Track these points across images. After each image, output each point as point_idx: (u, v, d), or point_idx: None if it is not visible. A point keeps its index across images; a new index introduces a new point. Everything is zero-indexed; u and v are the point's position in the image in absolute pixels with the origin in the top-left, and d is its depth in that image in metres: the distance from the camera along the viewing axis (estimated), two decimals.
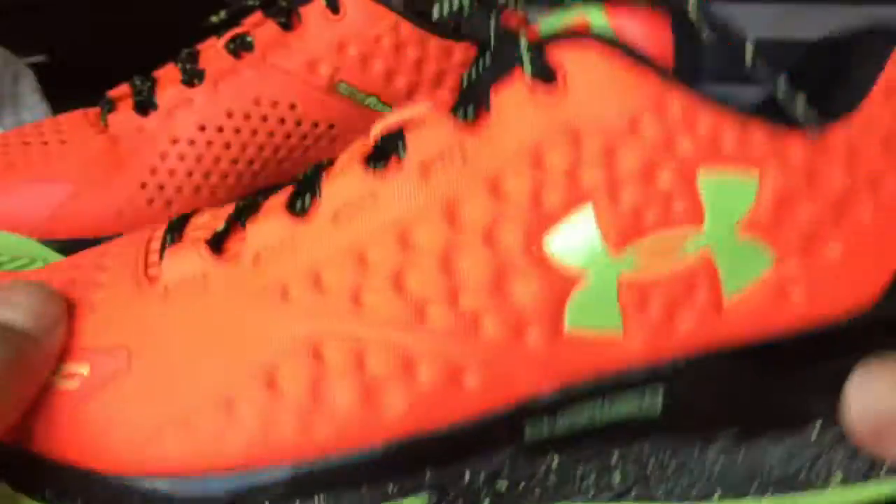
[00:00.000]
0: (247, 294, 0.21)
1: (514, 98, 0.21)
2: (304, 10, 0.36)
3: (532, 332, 0.20)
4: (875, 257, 0.21)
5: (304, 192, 0.23)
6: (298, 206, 0.22)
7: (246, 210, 0.24)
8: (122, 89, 0.38)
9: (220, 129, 0.36)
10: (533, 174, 0.20)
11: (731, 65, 0.20)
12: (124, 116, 0.36)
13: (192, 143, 0.36)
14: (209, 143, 0.36)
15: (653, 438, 0.22)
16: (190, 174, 0.36)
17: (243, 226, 0.23)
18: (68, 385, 0.21)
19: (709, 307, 0.20)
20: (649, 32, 0.20)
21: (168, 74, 0.38)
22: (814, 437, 0.22)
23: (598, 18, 0.21)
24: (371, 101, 0.37)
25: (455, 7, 0.22)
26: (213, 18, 0.38)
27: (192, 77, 0.36)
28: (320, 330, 0.21)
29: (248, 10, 0.38)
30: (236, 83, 0.36)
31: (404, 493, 0.21)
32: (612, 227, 0.20)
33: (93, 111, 0.38)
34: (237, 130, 0.36)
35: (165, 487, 0.21)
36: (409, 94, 0.37)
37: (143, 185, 0.35)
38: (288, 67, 0.36)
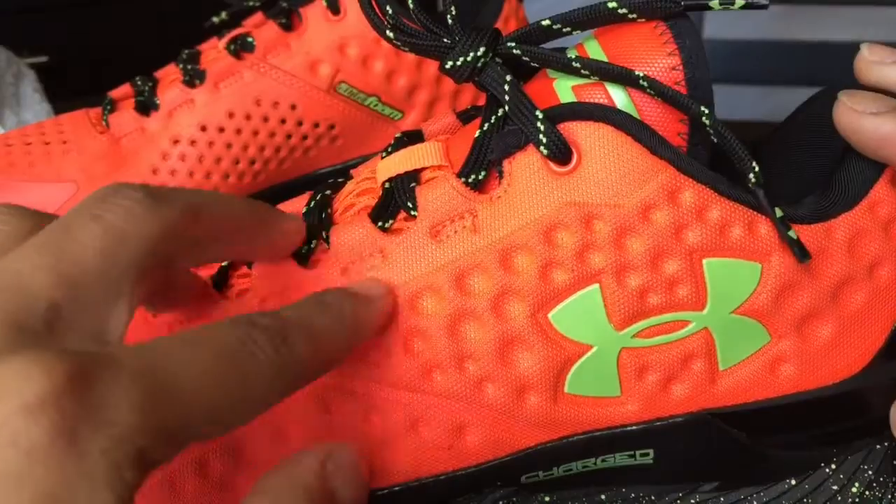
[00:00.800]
0: None
1: (527, 170, 0.21)
2: (305, 11, 0.36)
3: (532, 396, 0.21)
4: (862, 337, 0.22)
5: (309, 239, 0.22)
6: (304, 251, 0.22)
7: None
8: (124, 90, 0.38)
9: (222, 130, 0.36)
10: (544, 251, 0.21)
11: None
12: (126, 117, 0.36)
13: (193, 143, 0.36)
14: (210, 143, 0.36)
15: (638, 485, 0.24)
16: (191, 174, 0.36)
17: (249, 267, 0.23)
18: None
19: (703, 377, 0.22)
20: (666, 114, 0.21)
21: (169, 75, 0.38)
22: (789, 487, 0.23)
23: (618, 93, 0.21)
24: (371, 101, 0.37)
25: (469, 59, 0.21)
26: (215, 19, 0.39)
27: (194, 77, 0.36)
28: (328, 385, 0.21)
29: (249, 11, 0.38)
30: (237, 84, 0.36)
31: None
32: (618, 308, 0.21)
33: (94, 111, 0.38)
34: (238, 131, 0.36)
35: None
36: (410, 95, 0.38)
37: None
38: (289, 68, 0.36)
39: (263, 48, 0.36)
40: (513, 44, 0.21)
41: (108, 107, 0.37)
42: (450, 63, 0.21)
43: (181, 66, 0.37)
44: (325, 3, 0.36)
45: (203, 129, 0.36)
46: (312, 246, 0.22)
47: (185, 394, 0.15)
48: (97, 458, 0.13)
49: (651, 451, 0.23)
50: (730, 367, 0.22)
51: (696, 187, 0.20)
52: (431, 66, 0.37)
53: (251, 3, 0.38)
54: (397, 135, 0.25)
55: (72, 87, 0.53)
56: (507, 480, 0.23)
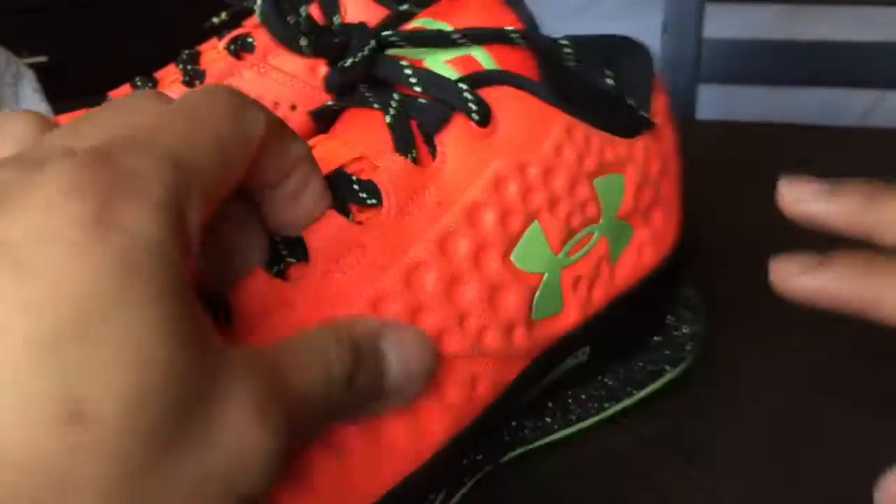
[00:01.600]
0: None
1: (459, 139, 0.23)
2: None
3: (518, 331, 0.24)
4: (674, 219, 0.29)
5: (282, 257, 0.22)
6: (280, 270, 0.21)
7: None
8: (123, 90, 0.38)
9: None
10: (498, 201, 0.24)
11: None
12: None
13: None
14: None
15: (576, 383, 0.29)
16: None
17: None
18: None
19: (606, 272, 0.27)
20: (521, 61, 0.25)
21: (169, 75, 0.38)
22: (651, 346, 0.31)
23: (482, 57, 0.25)
24: None
25: (366, 52, 0.23)
26: (215, 19, 0.39)
27: (193, 78, 0.36)
28: None
29: (248, 12, 0.38)
30: (237, 84, 0.36)
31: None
32: (555, 235, 0.25)
33: None
34: None
35: None
36: None
37: None
38: (289, 69, 0.36)
39: (263, 48, 0.36)
40: (392, 36, 0.24)
41: None
42: (350, 61, 0.23)
43: (181, 66, 0.37)
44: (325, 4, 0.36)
45: None
46: (291, 260, 0.21)
47: None
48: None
49: (588, 348, 0.28)
50: (617, 261, 0.27)
51: (579, 125, 0.25)
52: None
53: (251, 4, 0.38)
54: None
55: (72, 87, 0.53)
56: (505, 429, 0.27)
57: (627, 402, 0.30)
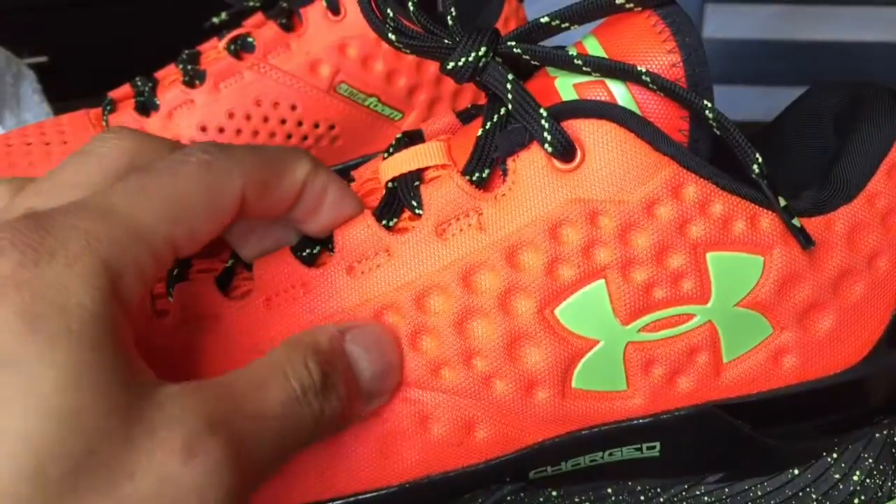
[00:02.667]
0: (261, 334, 0.21)
1: (531, 168, 0.21)
2: (305, 12, 0.36)
3: (541, 391, 0.22)
4: (862, 327, 0.23)
5: (311, 240, 0.22)
6: (306, 254, 0.22)
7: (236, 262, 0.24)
8: (124, 90, 0.38)
9: (222, 130, 0.36)
10: (549, 247, 0.21)
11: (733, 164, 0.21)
12: (126, 117, 0.36)
13: (193, 143, 0.36)
14: None
15: (645, 478, 0.24)
16: None
17: (248, 268, 0.23)
18: None
19: (708, 370, 0.22)
20: (667, 109, 0.21)
21: (169, 75, 0.38)
22: (792, 477, 0.24)
23: (618, 89, 0.21)
24: (371, 101, 0.37)
25: (470, 59, 0.21)
26: (215, 19, 0.39)
27: (194, 78, 0.36)
28: None
29: (249, 12, 0.38)
30: (237, 84, 0.36)
31: None
32: (623, 302, 0.21)
33: (94, 112, 0.38)
34: (238, 131, 0.36)
35: None
36: (409, 95, 0.38)
37: None
38: (289, 68, 0.36)
39: (263, 48, 0.36)
40: (513, 43, 0.22)
41: (108, 107, 0.37)
42: (451, 64, 0.22)
43: (181, 66, 0.37)
44: (325, 4, 0.36)
45: (203, 129, 0.36)
46: (316, 250, 0.22)
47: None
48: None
49: (658, 444, 0.23)
50: (733, 359, 0.22)
51: (698, 182, 0.21)
52: (431, 66, 0.37)
53: (251, 4, 0.38)
54: (398, 135, 0.25)
55: (72, 88, 0.53)
56: (515, 476, 0.23)
57: None
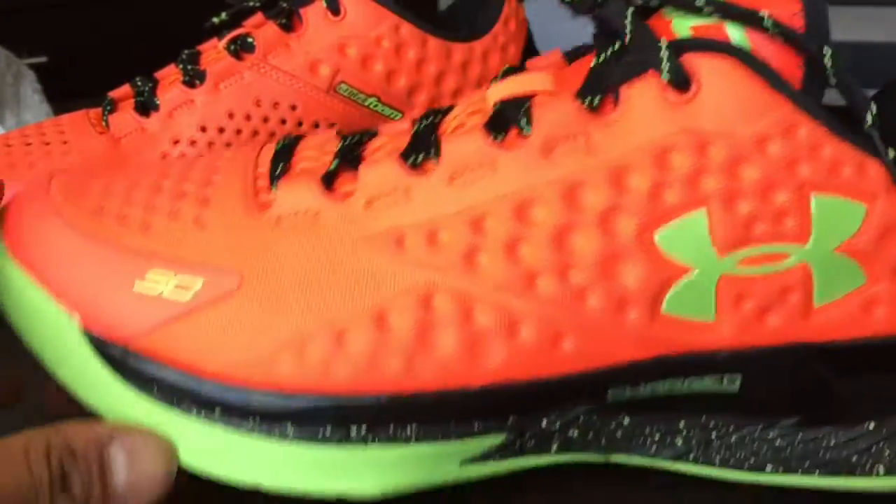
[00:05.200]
0: (360, 235, 0.22)
1: (645, 97, 0.22)
2: (305, 12, 0.36)
3: (632, 311, 0.22)
4: None
5: (418, 148, 0.23)
6: (412, 160, 0.23)
7: (353, 149, 0.25)
8: (124, 90, 0.38)
9: (222, 130, 0.36)
10: (655, 172, 0.21)
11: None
12: (126, 117, 0.37)
13: (193, 143, 0.36)
14: (210, 143, 0.36)
15: (720, 415, 0.24)
16: None
17: (354, 168, 0.24)
18: (180, 296, 0.22)
19: (798, 311, 0.22)
20: (783, 54, 0.21)
21: (169, 75, 0.38)
22: (867, 431, 0.24)
23: (736, 33, 0.22)
24: (371, 101, 0.37)
25: None
26: (215, 19, 0.39)
27: (194, 78, 0.36)
28: (432, 282, 0.22)
29: (249, 12, 0.38)
30: (237, 84, 0.36)
31: (486, 432, 0.23)
32: (723, 233, 0.21)
33: (94, 112, 0.38)
34: (238, 131, 0.36)
35: (275, 402, 0.22)
36: (409, 95, 0.38)
37: None
38: (289, 68, 0.36)
39: (263, 48, 0.36)
40: None
41: (108, 107, 0.37)
42: None
43: (181, 66, 0.37)
44: (325, 4, 0.36)
45: (203, 129, 0.36)
46: (420, 157, 0.23)
47: None
48: None
49: (739, 378, 0.23)
50: (824, 304, 0.22)
51: (811, 124, 0.21)
52: (431, 66, 0.37)
53: (251, 4, 0.38)
54: (505, 67, 0.26)
55: (72, 88, 0.53)
56: (594, 393, 0.23)
57: (796, 479, 0.24)
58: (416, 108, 0.38)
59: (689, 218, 0.21)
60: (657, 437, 0.24)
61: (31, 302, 0.23)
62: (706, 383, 0.23)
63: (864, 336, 0.23)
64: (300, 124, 0.37)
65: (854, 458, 0.24)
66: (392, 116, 0.38)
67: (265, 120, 0.36)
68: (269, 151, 0.26)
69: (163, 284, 0.22)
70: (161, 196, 0.24)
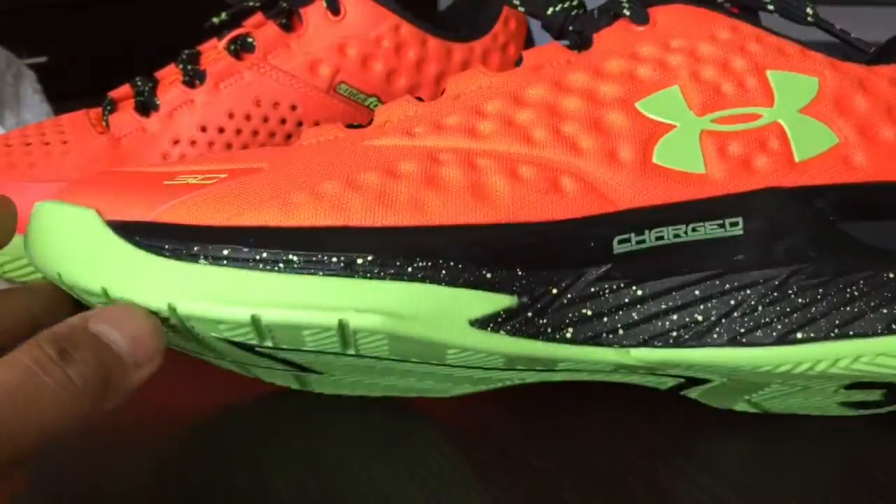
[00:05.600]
0: (373, 135, 0.25)
1: (612, 34, 0.26)
2: (305, 12, 0.36)
3: (624, 153, 0.24)
4: None
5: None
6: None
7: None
8: (124, 90, 0.38)
9: (222, 130, 0.36)
10: (629, 63, 0.25)
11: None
12: (126, 117, 0.36)
13: (193, 143, 0.36)
14: (210, 143, 0.36)
15: (733, 274, 0.24)
16: None
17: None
18: (206, 181, 0.24)
19: (782, 158, 0.24)
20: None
21: (169, 75, 0.38)
22: (885, 281, 0.24)
23: None
24: (371, 101, 0.37)
25: (566, 6, 0.27)
26: (215, 19, 0.39)
27: (194, 78, 0.36)
28: (440, 146, 0.25)
29: (249, 12, 0.38)
30: (237, 84, 0.36)
31: (496, 286, 0.23)
32: (696, 98, 0.25)
33: (94, 111, 0.38)
34: (238, 131, 0.36)
35: (285, 236, 0.23)
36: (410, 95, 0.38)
37: None
38: (289, 68, 0.36)
39: (263, 48, 0.36)
40: None
41: (109, 107, 0.37)
42: (550, 10, 0.27)
43: (181, 66, 0.37)
44: (325, 4, 0.36)
45: (203, 129, 0.36)
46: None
47: None
48: None
49: (740, 220, 0.24)
50: (805, 159, 0.24)
51: (751, 27, 0.26)
52: (431, 66, 0.37)
53: (251, 4, 0.38)
54: None
55: (72, 87, 0.53)
56: (599, 245, 0.24)
57: (831, 349, 0.23)
58: None
59: (665, 91, 0.25)
60: (675, 316, 0.24)
61: (64, 220, 0.24)
62: (708, 230, 0.24)
63: (852, 181, 0.24)
64: (300, 124, 0.37)
65: (886, 311, 0.23)
66: None
67: (265, 120, 0.36)
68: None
69: (191, 178, 0.24)
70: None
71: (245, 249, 0.22)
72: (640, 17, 0.26)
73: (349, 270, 0.22)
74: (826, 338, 0.23)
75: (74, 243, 0.24)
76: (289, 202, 0.23)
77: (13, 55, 0.56)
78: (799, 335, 0.23)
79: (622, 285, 0.24)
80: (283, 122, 0.36)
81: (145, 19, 0.83)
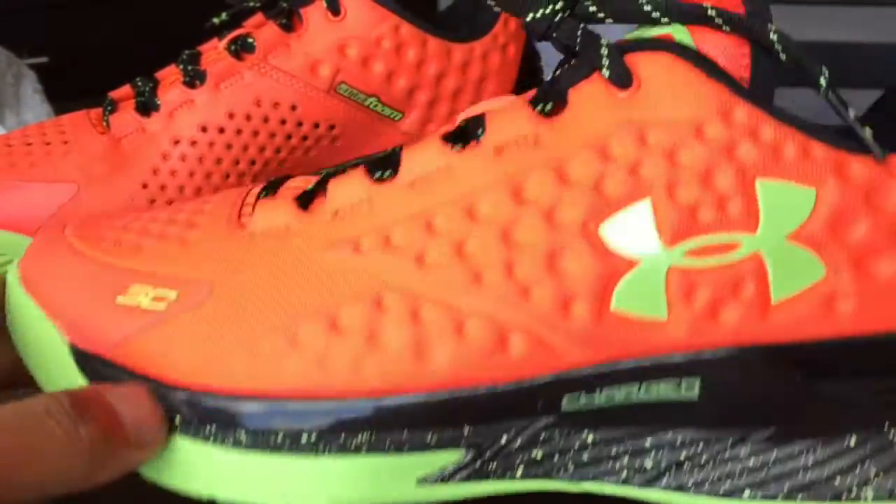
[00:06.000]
0: (322, 243, 0.23)
1: (590, 96, 0.22)
2: (305, 12, 0.36)
3: (578, 306, 0.22)
4: None
5: (386, 165, 0.24)
6: (378, 175, 0.24)
7: (334, 173, 0.25)
8: (124, 90, 0.38)
9: (222, 130, 0.36)
10: (598, 165, 0.22)
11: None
12: (126, 117, 0.37)
13: (193, 143, 0.36)
14: (211, 143, 0.36)
15: (686, 429, 0.23)
16: (192, 174, 0.36)
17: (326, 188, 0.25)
18: (156, 307, 0.23)
19: (755, 306, 0.21)
20: (728, 48, 0.22)
21: (170, 75, 0.38)
22: (849, 447, 0.22)
23: (681, 34, 0.22)
24: (371, 101, 0.37)
25: (548, 12, 0.23)
26: (215, 20, 0.39)
27: (194, 78, 0.36)
28: (384, 282, 0.22)
29: (249, 12, 0.38)
30: (238, 84, 0.36)
31: (442, 445, 0.22)
32: (668, 223, 0.21)
33: (95, 112, 0.38)
34: (238, 131, 0.36)
35: (230, 405, 0.22)
36: (409, 95, 0.38)
37: (145, 186, 0.36)
38: (289, 69, 0.36)
39: (264, 49, 0.36)
40: (589, 2, 0.23)
41: (109, 107, 0.37)
42: (529, 16, 0.24)
43: (182, 66, 0.37)
44: (325, 4, 0.36)
45: (203, 129, 0.36)
46: (388, 173, 0.24)
47: None
48: None
49: (697, 382, 0.22)
50: (783, 299, 0.21)
51: (749, 107, 0.21)
52: (431, 66, 0.37)
53: (251, 4, 0.38)
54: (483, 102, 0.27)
55: (72, 88, 0.53)
56: (548, 401, 0.23)
57: None
58: (417, 109, 0.38)
59: (634, 209, 0.21)
60: (625, 460, 0.23)
61: (32, 322, 0.24)
62: (663, 389, 0.22)
63: (829, 336, 0.21)
64: (300, 124, 0.37)
65: (838, 481, 0.22)
66: (392, 117, 0.38)
67: (265, 120, 0.36)
68: (259, 188, 0.26)
69: (142, 296, 0.23)
70: (156, 224, 0.25)
71: (194, 421, 0.22)
72: (621, 78, 0.22)
73: (294, 448, 0.22)
74: (773, 499, 0.23)
75: (40, 357, 0.24)
76: (228, 369, 0.22)
77: (13, 55, 0.56)
78: (746, 493, 0.23)
79: (572, 432, 0.23)
80: (284, 122, 0.36)
81: (145, 19, 0.83)
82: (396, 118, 0.38)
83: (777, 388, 0.22)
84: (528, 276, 0.21)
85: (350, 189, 0.24)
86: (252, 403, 0.22)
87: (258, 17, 0.38)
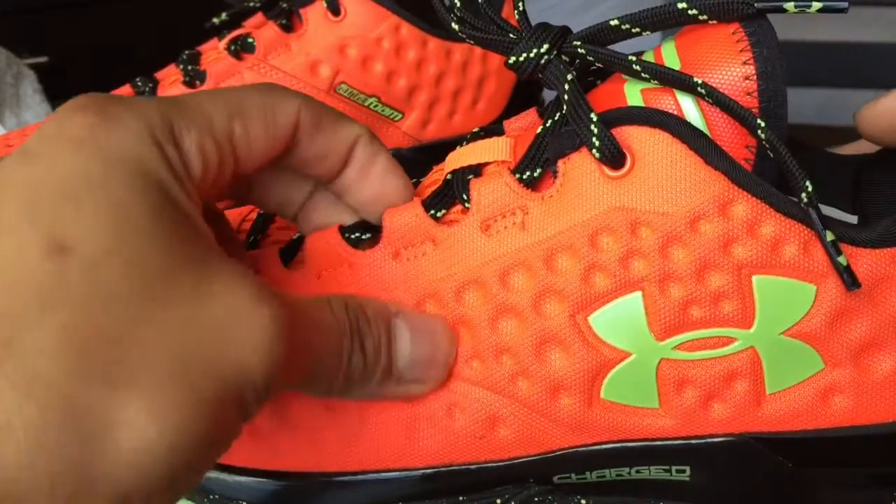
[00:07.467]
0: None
1: (580, 172, 0.21)
2: (305, 12, 0.36)
3: (566, 397, 0.21)
4: None
5: (361, 228, 0.23)
6: (354, 237, 0.23)
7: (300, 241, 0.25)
8: (124, 90, 0.38)
9: None
10: (588, 253, 0.20)
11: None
12: None
13: None
14: None
15: (674, 503, 0.23)
16: None
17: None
18: None
19: (748, 399, 0.21)
20: (737, 126, 0.20)
21: (170, 76, 0.38)
22: None
23: (689, 104, 0.21)
24: (371, 102, 0.37)
25: (532, 55, 0.21)
26: (215, 20, 0.39)
27: (194, 78, 0.36)
28: None
29: (249, 12, 0.38)
30: (237, 84, 0.36)
31: None
32: (659, 317, 0.20)
33: None
34: None
35: (227, 480, 0.23)
36: (409, 96, 0.38)
37: None
38: (289, 69, 0.36)
39: (264, 49, 0.36)
40: (579, 43, 0.21)
41: None
42: (513, 59, 0.22)
43: (182, 66, 0.37)
44: (325, 4, 0.36)
45: None
46: (366, 236, 0.23)
47: None
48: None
49: (688, 468, 0.22)
50: (777, 391, 0.21)
51: (749, 200, 0.20)
52: (431, 66, 0.37)
53: (252, 4, 0.38)
54: (475, 129, 0.25)
55: (72, 88, 0.53)
56: (539, 478, 0.23)
57: None
58: (417, 109, 0.38)
59: (625, 301, 0.20)
60: None
61: None
62: (654, 471, 0.22)
63: (822, 428, 0.21)
64: None
65: None
66: (392, 117, 0.38)
67: None
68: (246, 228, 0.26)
69: None
70: None
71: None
72: (613, 156, 0.20)
73: None
74: None
75: None
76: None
77: (13, 55, 0.56)
78: None
79: (565, 497, 0.23)
80: None
81: (145, 19, 0.83)
82: (396, 118, 0.38)
83: (766, 475, 0.22)
84: (516, 366, 0.21)
85: (331, 251, 0.23)
86: (250, 476, 0.23)
87: (258, 17, 0.38)
